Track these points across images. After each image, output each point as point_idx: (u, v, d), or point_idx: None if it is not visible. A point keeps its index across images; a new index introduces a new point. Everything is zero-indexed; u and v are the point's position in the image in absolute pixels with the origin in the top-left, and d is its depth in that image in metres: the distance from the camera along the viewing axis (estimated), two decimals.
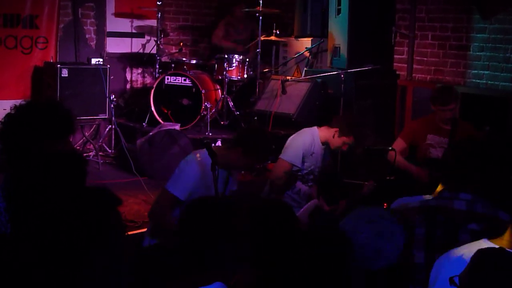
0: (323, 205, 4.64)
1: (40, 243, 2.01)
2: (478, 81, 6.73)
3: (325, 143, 4.64)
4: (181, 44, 8.07)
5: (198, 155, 3.66)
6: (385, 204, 3.40)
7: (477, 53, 6.75)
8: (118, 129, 7.09)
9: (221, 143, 7.15)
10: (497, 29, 6.53)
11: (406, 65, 7.42)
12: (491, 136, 4.28)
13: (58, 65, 7.09)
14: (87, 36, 8.27)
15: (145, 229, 4.12)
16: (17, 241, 2.22)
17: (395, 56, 7.23)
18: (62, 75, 7.06)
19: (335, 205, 4.73)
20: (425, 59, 7.29)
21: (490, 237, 2.16)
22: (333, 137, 4.53)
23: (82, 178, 2.52)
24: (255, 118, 7.04)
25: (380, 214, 2.42)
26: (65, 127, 2.92)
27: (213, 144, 6.99)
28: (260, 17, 7.40)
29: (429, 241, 2.42)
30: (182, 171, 3.62)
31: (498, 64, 6.53)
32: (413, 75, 7.41)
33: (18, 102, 2.95)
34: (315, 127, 4.68)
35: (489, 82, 6.64)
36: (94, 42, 8.33)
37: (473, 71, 6.79)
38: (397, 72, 7.07)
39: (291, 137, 4.71)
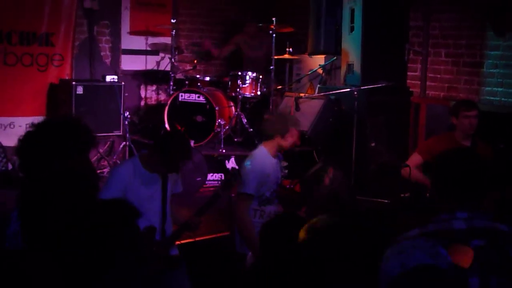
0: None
1: (50, 260, 2.03)
2: (492, 98, 6.71)
3: (276, 155, 4.54)
4: (195, 61, 8.13)
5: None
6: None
7: (490, 70, 6.74)
8: (132, 145, 7.13)
9: (235, 159, 7.17)
10: (511, 46, 6.52)
11: (419, 82, 7.42)
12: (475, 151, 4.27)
13: (73, 83, 7.16)
14: (102, 53, 8.35)
15: None
16: (29, 256, 2.24)
17: (409, 73, 7.24)
18: (77, 92, 7.12)
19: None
20: (439, 76, 7.28)
21: None
22: (281, 144, 4.45)
23: (94, 194, 2.53)
24: None
25: (418, 246, 2.32)
26: (85, 143, 2.95)
27: (227, 161, 7.06)
28: (274, 35, 7.44)
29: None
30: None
31: None
32: (427, 92, 7.40)
33: (33, 119, 2.99)
34: (261, 146, 4.54)
35: (503, 99, 6.62)
36: (109, 59, 8.41)
37: (487, 88, 6.77)
38: (411, 89, 7.07)
39: (245, 167, 4.46)
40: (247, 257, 4.21)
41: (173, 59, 7.83)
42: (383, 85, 6.30)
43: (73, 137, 2.88)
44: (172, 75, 7.80)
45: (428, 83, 7.37)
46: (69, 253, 2.02)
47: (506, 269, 2.29)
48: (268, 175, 4.39)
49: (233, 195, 4.91)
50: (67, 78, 7.54)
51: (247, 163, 4.42)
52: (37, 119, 3.03)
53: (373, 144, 6.48)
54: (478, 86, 6.86)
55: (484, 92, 6.79)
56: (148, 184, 3.77)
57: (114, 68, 8.32)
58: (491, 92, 6.73)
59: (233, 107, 7.69)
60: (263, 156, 4.45)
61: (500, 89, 6.65)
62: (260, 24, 7.86)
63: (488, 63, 6.76)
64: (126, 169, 3.78)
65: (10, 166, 6.55)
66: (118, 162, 7.34)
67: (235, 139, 7.50)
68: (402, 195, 4.78)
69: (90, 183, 2.55)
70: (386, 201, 5.20)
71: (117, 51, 8.43)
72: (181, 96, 7.46)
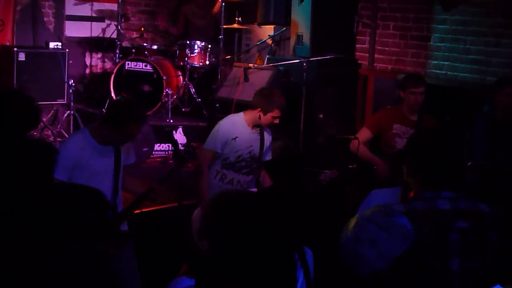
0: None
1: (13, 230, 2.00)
2: (438, 71, 6.82)
3: (258, 125, 4.54)
4: (142, 29, 7.95)
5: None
6: None
7: (437, 44, 6.83)
8: (76, 114, 6.96)
9: (182, 130, 7.10)
10: (458, 21, 6.61)
11: (367, 55, 7.47)
12: (452, 127, 4.34)
13: (15, 49, 6.91)
14: (45, 19, 8.07)
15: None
16: None
17: (357, 45, 7.27)
18: (19, 59, 6.89)
19: None
20: (387, 48, 7.34)
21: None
22: (259, 118, 4.47)
23: (51, 166, 2.46)
24: (217, 105, 7.00)
25: (372, 218, 2.30)
26: (30, 120, 2.85)
27: (174, 132, 6.98)
28: (223, 4, 7.34)
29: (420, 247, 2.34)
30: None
31: (458, 55, 6.63)
32: (375, 64, 7.46)
33: None
34: (241, 112, 4.60)
35: (449, 72, 6.73)
36: (53, 25, 8.14)
37: (434, 62, 6.87)
38: (359, 62, 7.11)
39: (216, 125, 4.60)
40: (193, 216, 4.23)
41: (119, 27, 7.63)
42: (332, 57, 6.31)
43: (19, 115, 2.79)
44: (118, 43, 7.62)
45: (376, 55, 7.43)
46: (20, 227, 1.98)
47: (485, 251, 2.33)
48: (234, 139, 4.43)
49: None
50: (8, 44, 7.27)
51: (220, 122, 4.53)
52: None
53: (321, 116, 6.51)
54: (425, 60, 6.95)
55: (431, 66, 6.89)
56: (100, 157, 3.66)
57: (58, 34, 8.06)
58: (437, 66, 6.83)
59: (181, 77, 7.59)
60: (237, 120, 4.51)
61: (446, 62, 6.75)
62: None
63: (435, 37, 6.85)
64: (75, 144, 3.64)
65: None
66: (62, 131, 7.16)
67: (183, 109, 7.42)
68: (350, 166, 4.81)
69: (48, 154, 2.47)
70: (334, 172, 5.22)
71: (61, 17, 8.16)
72: (128, 64, 7.30)
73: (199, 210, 4.24)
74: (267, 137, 4.66)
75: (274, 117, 4.46)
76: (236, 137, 4.45)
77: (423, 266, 2.29)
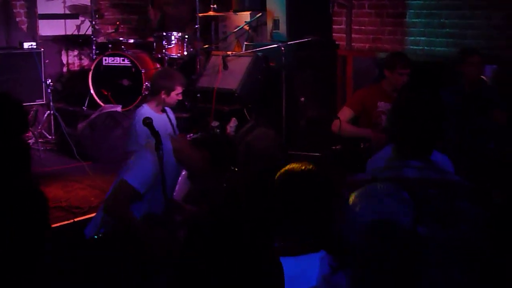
0: None
1: None
2: (416, 47, 6.85)
3: (164, 109, 4.74)
4: (117, 23, 7.89)
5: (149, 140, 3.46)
6: None
7: (413, 20, 6.85)
8: (57, 114, 6.90)
9: None
10: None
11: (345, 35, 7.47)
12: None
13: None
14: (17, 19, 7.96)
15: (91, 215, 4.04)
16: None
17: (334, 26, 7.28)
18: None
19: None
20: (363, 28, 7.35)
21: None
22: (165, 100, 4.63)
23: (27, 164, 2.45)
24: (198, 95, 6.98)
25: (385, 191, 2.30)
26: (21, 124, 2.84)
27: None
28: None
29: None
30: (138, 163, 3.43)
31: (434, 30, 6.65)
32: (352, 44, 7.47)
33: None
34: (144, 104, 4.76)
35: (426, 48, 6.76)
36: (26, 25, 8.04)
37: (410, 38, 6.89)
38: (337, 42, 7.11)
39: (130, 127, 4.69)
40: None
41: (94, 22, 7.56)
42: (309, 39, 6.31)
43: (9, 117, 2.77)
44: (94, 39, 7.55)
45: (353, 35, 7.43)
46: None
47: (452, 219, 2.32)
48: None
49: None
50: None
51: (133, 122, 4.56)
52: None
53: (302, 99, 6.52)
54: (401, 36, 6.97)
55: (408, 42, 6.91)
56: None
57: (32, 34, 7.96)
58: (414, 42, 6.86)
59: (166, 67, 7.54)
60: (146, 112, 4.55)
61: (422, 38, 6.78)
62: None
63: (410, 13, 6.87)
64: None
65: None
66: (44, 132, 7.11)
67: None
68: (333, 147, 4.82)
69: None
70: (318, 154, 5.24)
71: (33, 16, 8.05)
72: (105, 60, 7.24)
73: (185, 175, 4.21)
74: (172, 116, 4.88)
75: (178, 94, 4.68)
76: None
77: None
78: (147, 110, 4.66)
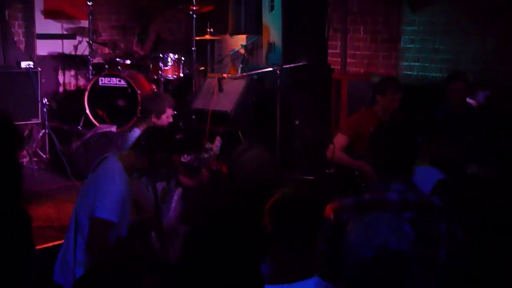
0: (186, 182, 4.52)
1: None
2: (410, 72, 6.90)
3: None
4: (114, 44, 7.93)
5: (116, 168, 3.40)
6: None
7: (407, 45, 6.92)
8: (52, 133, 6.91)
9: None
10: (426, 21, 6.71)
11: (340, 59, 7.53)
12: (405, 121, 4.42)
13: None
14: (15, 38, 8.01)
15: None
16: None
17: (329, 50, 7.33)
18: None
19: (198, 176, 4.66)
20: (358, 52, 7.42)
21: None
22: (155, 124, 4.55)
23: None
24: (193, 117, 7.00)
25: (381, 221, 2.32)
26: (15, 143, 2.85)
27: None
28: (194, 15, 7.36)
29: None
30: (108, 193, 3.28)
31: (428, 55, 6.72)
32: (347, 68, 7.52)
33: None
34: (134, 128, 4.57)
35: (420, 73, 6.81)
36: (23, 44, 8.09)
37: (405, 63, 6.96)
38: (332, 66, 7.16)
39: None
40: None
41: (91, 43, 7.61)
42: (305, 63, 6.35)
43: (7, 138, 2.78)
44: (91, 59, 7.59)
45: (348, 59, 7.50)
46: None
47: (433, 240, 2.39)
48: None
49: None
50: None
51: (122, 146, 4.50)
52: None
53: (297, 122, 6.55)
54: (396, 61, 7.03)
55: (402, 67, 6.97)
56: None
57: (29, 53, 8.00)
58: (408, 67, 6.92)
59: (155, 90, 7.57)
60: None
61: (417, 63, 6.84)
62: (180, 6, 7.74)
63: (405, 38, 6.94)
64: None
65: None
66: (38, 151, 7.11)
67: None
68: (327, 171, 4.83)
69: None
70: (312, 177, 5.25)
71: (31, 36, 8.10)
72: (101, 80, 7.27)
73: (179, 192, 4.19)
74: None
75: (168, 117, 4.62)
76: None
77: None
78: (136, 134, 4.57)
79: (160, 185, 4.24)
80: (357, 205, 2.45)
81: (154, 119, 4.56)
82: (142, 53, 8.10)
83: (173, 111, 4.67)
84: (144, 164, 3.39)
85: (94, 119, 7.19)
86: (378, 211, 2.36)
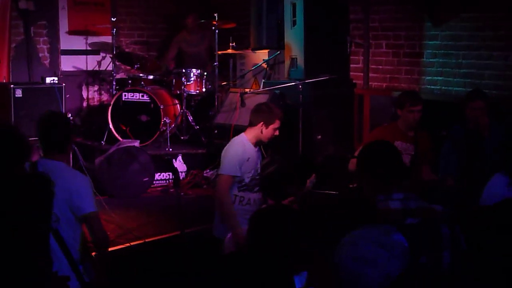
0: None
1: None
2: (433, 87, 6.86)
3: (258, 143, 4.64)
4: (138, 59, 8.01)
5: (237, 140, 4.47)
6: None
7: (430, 60, 6.89)
8: (75, 148, 6.96)
9: (182, 158, 7.11)
10: (448, 36, 6.68)
11: (362, 74, 7.52)
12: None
13: (11, 86, 6.94)
14: (40, 55, 8.14)
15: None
16: None
17: (351, 65, 7.33)
18: (16, 96, 6.91)
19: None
20: (380, 67, 7.40)
21: None
22: (262, 132, 4.55)
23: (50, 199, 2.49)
24: (216, 131, 7.03)
25: (369, 236, 2.28)
26: (20, 154, 2.88)
27: (174, 160, 7.00)
28: (216, 31, 7.41)
29: None
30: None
31: (451, 70, 6.67)
32: (369, 83, 7.51)
33: None
34: (242, 134, 4.66)
35: (443, 87, 6.77)
36: (48, 60, 8.21)
37: (427, 78, 6.92)
38: (354, 81, 7.16)
39: (224, 150, 4.63)
40: (225, 240, 4.25)
41: (114, 58, 7.69)
42: (327, 78, 6.35)
43: (9, 149, 2.81)
44: (114, 74, 7.67)
45: (370, 74, 7.48)
46: None
47: (437, 245, 2.53)
48: (247, 160, 4.49)
49: (182, 193, 4.85)
50: (4, 81, 7.31)
51: (227, 146, 4.56)
52: None
53: (319, 137, 6.54)
54: (418, 76, 7.00)
55: (425, 81, 6.93)
56: None
57: (54, 69, 8.12)
58: (431, 81, 6.88)
59: (178, 105, 7.63)
60: (243, 141, 4.55)
61: (440, 78, 6.80)
62: (202, 20, 7.82)
63: (427, 53, 6.91)
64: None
65: None
66: None
67: (182, 137, 7.44)
68: (351, 185, 4.82)
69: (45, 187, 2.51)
70: (335, 192, 5.24)
71: (56, 52, 8.23)
72: (125, 95, 7.34)
73: (231, 236, 4.25)
74: (260, 154, 4.77)
75: (275, 129, 4.58)
76: (249, 158, 4.52)
77: None
78: (243, 140, 4.58)
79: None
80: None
81: (262, 127, 4.55)
82: (171, 67, 8.15)
83: (281, 123, 4.63)
84: None
85: (118, 134, 7.25)
86: (367, 227, 2.35)
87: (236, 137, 4.69)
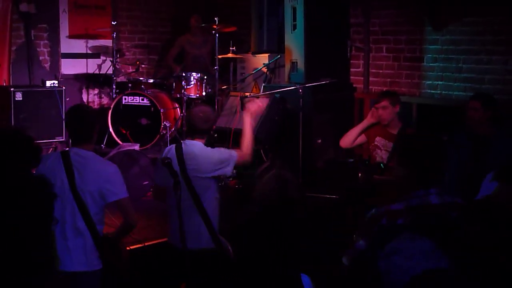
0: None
1: None
2: (433, 91, 6.87)
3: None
4: (138, 63, 8.02)
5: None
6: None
7: (430, 64, 6.89)
8: None
9: None
10: (449, 40, 6.68)
11: (362, 78, 7.52)
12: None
13: (12, 89, 6.95)
14: (40, 58, 8.14)
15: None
16: None
17: (352, 69, 7.33)
18: (16, 99, 6.92)
19: None
20: (381, 71, 7.40)
21: None
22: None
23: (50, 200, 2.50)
24: (215, 135, 7.01)
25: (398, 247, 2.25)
26: (27, 157, 2.88)
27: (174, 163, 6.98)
28: (217, 34, 7.41)
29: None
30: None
31: (451, 75, 6.68)
32: (370, 87, 7.51)
33: None
34: (194, 140, 4.61)
35: (444, 92, 6.77)
36: (48, 64, 8.21)
37: (428, 82, 6.92)
38: (354, 85, 7.16)
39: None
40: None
41: (114, 62, 7.70)
42: (327, 82, 6.35)
43: (17, 153, 2.81)
44: (115, 78, 7.67)
45: (370, 78, 7.48)
46: None
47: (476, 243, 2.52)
48: None
49: None
50: (4, 84, 7.32)
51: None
52: None
53: (319, 141, 6.53)
54: (419, 80, 7.00)
55: (425, 86, 6.93)
56: None
57: (54, 72, 8.13)
58: (432, 86, 6.88)
59: (178, 109, 7.62)
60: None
61: (440, 82, 6.80)
62: (203, 24, 7.82)
63: (427, 57, 6.91)
64: None
65: None
66: None
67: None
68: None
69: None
70: (335, 196, 5.23)
71: (56, 55, 8.23)
72: (125, 99, 7.34)
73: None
74: None
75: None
76: None
77: None
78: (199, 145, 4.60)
79: None
80: (409, 210, 2.64)
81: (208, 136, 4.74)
82: (177, 72, 8.16)
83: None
84: None
85: (118, 137, 7.25)
86: (410, 239, 2.26)
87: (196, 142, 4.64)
